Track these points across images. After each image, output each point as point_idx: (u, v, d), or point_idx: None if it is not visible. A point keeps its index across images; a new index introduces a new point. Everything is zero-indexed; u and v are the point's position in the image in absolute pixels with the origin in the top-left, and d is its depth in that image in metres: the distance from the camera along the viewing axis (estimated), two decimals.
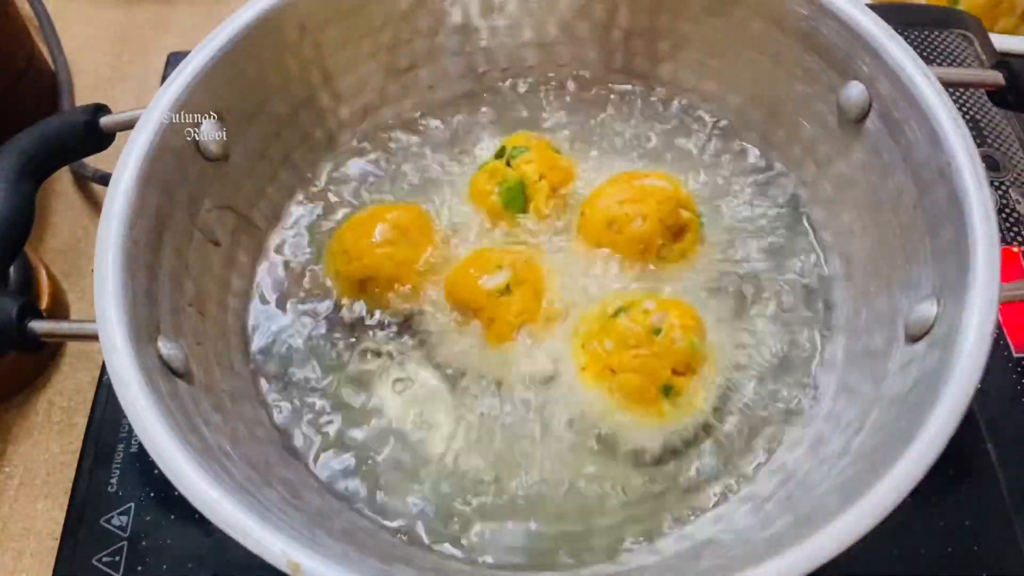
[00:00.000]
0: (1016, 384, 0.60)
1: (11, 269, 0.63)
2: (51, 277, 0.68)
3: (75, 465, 0.58)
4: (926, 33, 0.78)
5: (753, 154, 0.63)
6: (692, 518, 0.49)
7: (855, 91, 0.53)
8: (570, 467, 0.51)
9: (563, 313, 0.54)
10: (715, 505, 0.50)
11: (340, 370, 0.55)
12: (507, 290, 0.53)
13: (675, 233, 0.56)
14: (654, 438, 0.51)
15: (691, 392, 0.51)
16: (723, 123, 0.64)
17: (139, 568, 0.53)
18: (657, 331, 0.50)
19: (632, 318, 0.51)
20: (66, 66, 0.83)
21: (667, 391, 0.50)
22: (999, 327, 0.62)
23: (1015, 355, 0.61)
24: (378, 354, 0.55)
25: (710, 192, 0.61)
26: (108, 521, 0.55)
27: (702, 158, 0.63)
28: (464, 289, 0.54)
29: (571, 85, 0.66)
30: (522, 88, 0.67)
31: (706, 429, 0.52)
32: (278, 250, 0.60)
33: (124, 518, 0.55)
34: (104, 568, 0.53)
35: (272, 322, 0.57)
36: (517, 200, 0.57)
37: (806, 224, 0.60)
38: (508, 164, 0.58)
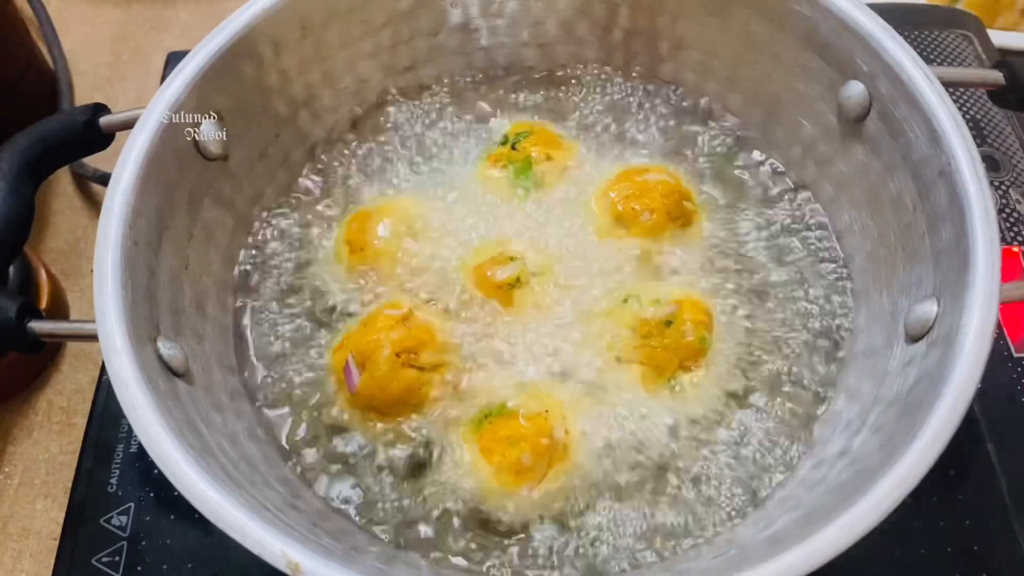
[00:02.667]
0: (1016, 384, 0.60)
1: (11, 269, 0.63)
2: (51, 277, 0.68)
3: (75, 465, 0.58)
4: (926, 33, 0.78)
5: (753, 153, 0.63)
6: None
7: (855, 91, 0.53)
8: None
9: (572, 296, 0.55)
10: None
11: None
12: (517, 282, 0.53)
13: (681, 224, 0.57)
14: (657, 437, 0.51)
15: (697, 386, 0.52)
16: (723, 122, 0.64)
17: (139, 568, 0.53)
18: (668, 323, 0.51)
19: (644, 308, 0.52)
20: (66, 66, 0.83)
21: (672, 384, 0.51)
22: (999, 327, 0.62)
23: (1015, 355, 0.61)
24: None
25: (710, 189, 0.61)
26: (108, 521, 0.55)
27: (702, 156, 0.63)
28: (477, 281, 0.55)
29: (572, 83, 0.66)
30: (523, 85, 0.67)
31: (706, 425, 0.52)
32: (278, 250, 0.60)
33: (124, 518, 0.55)
34: (104, 568, 0.53)
35: (271, 321, 0.57)
36: (525, 176, 0.58)
37: (806, 224, 0.60)
38: (513, 148, 0.59)
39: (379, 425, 0.52)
